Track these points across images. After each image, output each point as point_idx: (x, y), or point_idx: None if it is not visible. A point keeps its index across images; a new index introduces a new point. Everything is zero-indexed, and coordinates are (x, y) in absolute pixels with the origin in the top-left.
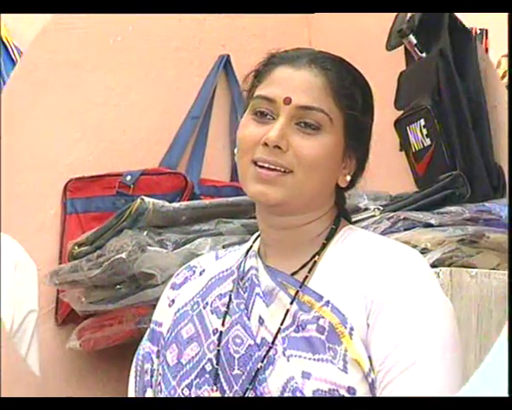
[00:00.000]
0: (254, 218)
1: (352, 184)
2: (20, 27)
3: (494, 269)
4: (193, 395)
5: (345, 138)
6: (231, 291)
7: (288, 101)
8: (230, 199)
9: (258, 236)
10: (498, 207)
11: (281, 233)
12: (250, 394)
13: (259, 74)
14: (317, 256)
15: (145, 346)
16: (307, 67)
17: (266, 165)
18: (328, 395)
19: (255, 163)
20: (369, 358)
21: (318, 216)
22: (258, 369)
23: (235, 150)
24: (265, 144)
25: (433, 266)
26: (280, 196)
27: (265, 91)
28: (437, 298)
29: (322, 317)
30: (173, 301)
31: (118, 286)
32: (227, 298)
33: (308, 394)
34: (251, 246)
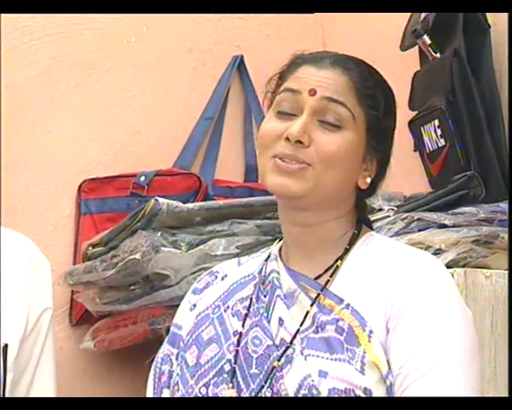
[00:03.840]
0: (268, 219)
1: (372, 188)
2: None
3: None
4: (210, 394)
5: (366, 138)
6: (252, 295)
7: (313, 92)
8: (244, 200)
9: (280, 241)
10: None
11: (301, 230)
12: (266, 391)
13: (283, 74)
14: (339, 261)
15: (164, 348)
16: (330, 67)
17: (287, 159)
18: (343, 395)
19: (276, 157)
20: (388, 361)
21: (337, 216)
22: (274, 367)
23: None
24: (287, 139)
25: (448, 266)
26: (298, 188)
27: (291, 84)
28: (456, 305)
29: (342, 319)
30: (194, 305)
31: (132, 287)
32: (248, 301)
33: (324, 392)
34: (271, 251)
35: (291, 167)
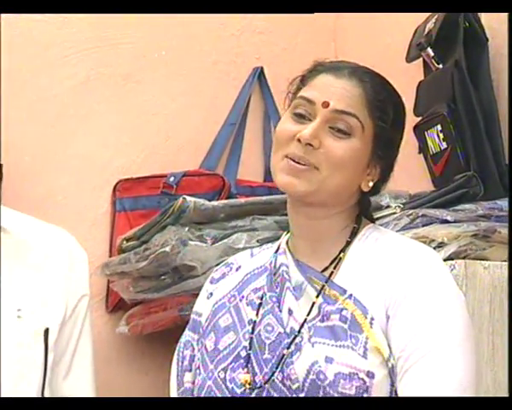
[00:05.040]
0: (285, 215)
1: (375, 190)
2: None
3: (505, 261)
4: (228, 378)
5: (373, 147)
6: (265, 286)
7: (325, 105)
8: (264, 198)
9: (287, 233)
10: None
11: (306, 223)
12: (278, 376)
13: (304, 79)
14: (342, 253)
15: (186, 334)
16: (347, 77)
17: (296, 159)
18: (348, 379)
19: (287, 157)
20: (389, 346)
21: (340, 210)
22: (284, 354)
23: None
24: (299, 140)
25: (450, 258)
26: (304, 189)
27: (307, 93)
28: (451, 291)
29: (346, 308)
30: (211, 293)
31: (162, 277)
32: (261, 292)
33: (330, 377)
34: (280, 244)
35: (298, 168)
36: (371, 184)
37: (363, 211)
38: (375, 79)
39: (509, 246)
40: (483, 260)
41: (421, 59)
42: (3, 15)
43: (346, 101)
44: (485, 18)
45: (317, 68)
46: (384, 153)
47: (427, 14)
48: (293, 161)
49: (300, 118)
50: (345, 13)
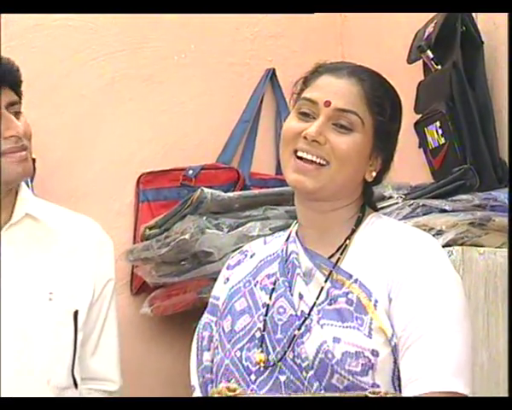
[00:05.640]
0: (295, 205)
1: (377, 180)
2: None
3: (499, 247)
4: (244, 357)
5: (373, 140)
6: (277, 272)
7: (327, 104)
8: (276, 189)
9: (296, 223)
10: (503, 195)
11: (314, 216)
12: (289, 354)
13: (307, 80)
14: (347, 241)
15: (205, 317)
16: (347, 76)
17: (305, 155)
18: (354, 357)
19: (296, 153)
20: (392, 326)
21: (346, 204)
22: (295, 335)
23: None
24: (305, 138)
25: (448, 245)
26: (312, 186)
27: (310, 94)
28: (449, 274)
29: (352, 292)
30: (228, 279)
31: (182, 262)
32: (274, 277)
33: (338, 355)
34: (290, 232)
35: (308, 167)
36: (374, 174)
37: (367, 200)
38: (372, 78)
39: (509, 234)
40: (479, 246)
41: (421, 61)
42: (35, 21)
43: (346, 99)
44: (481, 22)
45: (319, 70)
46: (384, 145)
47: (427, 19)
48: (302, 158)
49: (305, 116)
50: (351, 18)
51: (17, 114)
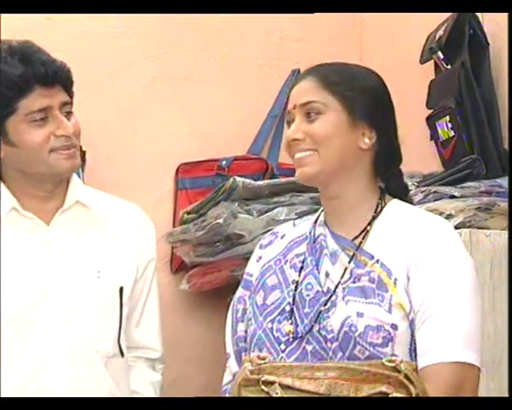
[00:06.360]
0: (319, 192)
1: (388, 151)
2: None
3: (503, 230)
4: (274, 328)
5: (347, 113)
6: (305, 252)
7: (294, 106)
8: None
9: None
10: (507, 182)
11: (330, 202)
12: (316, 327)
13: (288, 98)
14: (368, 226)
15: (240, 291)
16: (304, 76)
17: (297, 155)
18: (375, 331)
19: (294, 157)
20: (410, 302)
21: (354, 185)
22: (322, 310)
23: None
24: (291, 142)
25: (457, 228)
26: (312, 171)
27: (288, 107)
28: (461, 255)
29: (373, 271)
30: (260, 257)
31: (217, 243)
32: (302, 257)
33: (360, 328)
34: (318, 216)
35: (302, 155)
36: (367, 140)
37: (391, 189)
38: (327, 66)
39: (509, 219)
40: (485, 228)
41: (432, 61)
42: (83, 28)
43: (305, 94)
44: (487, 25)
45: (293, 84)
46: (361, 112)
47: (438, 23)
48: (296, 156)
49: (290, 124)
50: (369, 23)
51: (68, 114)
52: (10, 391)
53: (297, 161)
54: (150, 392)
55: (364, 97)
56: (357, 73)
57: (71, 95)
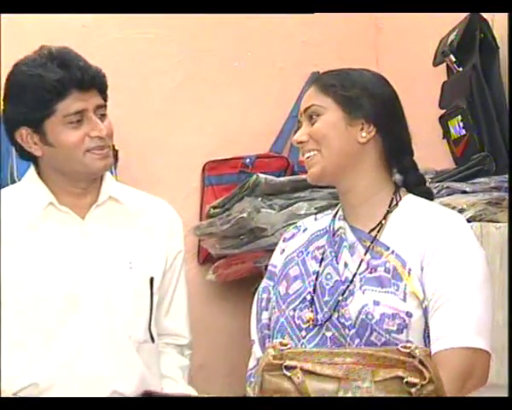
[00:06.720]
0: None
1: (395, 145)
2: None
3: None
4: (296, 316)
5: (343, 111)
6: (326, 244)
7: (300, 113)
8: None
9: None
10: None
11: (344, 196)
12: (335, 315)
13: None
14: (384, 220)
15: (264, 281)
16: (310, 85)
17: (305, 155)
18: (391, 318)
19: (303, 156)
20: (423, 291)
21: (363, 178)
22: (340, 299)
23: None
24: (298, 144)
25: (468, 221)
26: (317, 170)
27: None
28: (473, 247)
29: (389, 262)
30: (283, 250)
31: (241, 237)
32: (323, 249)
33: (377, 316)
34: (337, 211)
35: (308, 156)
36: (364, 134)
37: (411, 183)
38: (328, 73)
39: (509, 216)
40: (495, 222)
41: (445, 64)
42: (118, 34)
43: (306, 100)
44: (496, 29)
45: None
46: (356, 109)
47: (450, 28)
48: (305, 155)
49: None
50: (384, 28)
51: (102, 116)
52: (48, 374)
53: (306, 162)
54: (179, 376)
55: (363, 96)
56: (357, 76)
57: (105, 98)
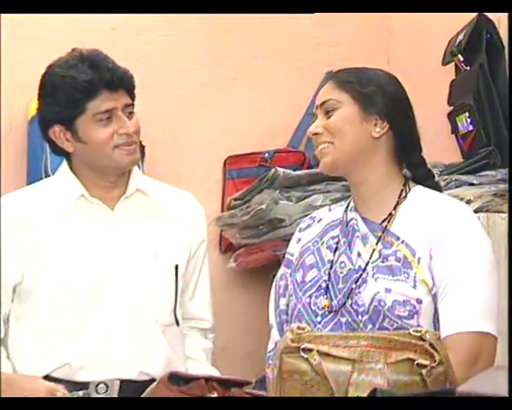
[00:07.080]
0: None
1: (406, 140)
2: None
3: None
4: (312, 302)
5: (358, 106)
6: (339, 234)
7: (316, 107)
8: None
9: None
10: None
11: (355, 188)
12: (348, 301)
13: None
14: (394, 210)
15: (282, 269)
16: (326, 82)
17: (319, 148)
18: (402, 305)
19: (317, 148)
20: (432, 278)
21: (375, 172)
22: (354, 287)
23: None
24: (312, 136)
25: (475, 212)
26: (328, 162)
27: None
28: (480, 236)
29: (399, 251)
30: (299, 239)
31: (260, 227)
32: (337, 239)
33: (389, 303)
34: (349, 202)
35: (321, 148)
36: (378, 129)
37: (420, 177)
38: (345, 70)
39: (509, 245)
40: (501, 212)
41: (453, 63)
42: (144, 37)
43: (324, 95)
44: (502, 29)
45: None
46: (371, 104)
47: (458, 29)
48: (318, 147)
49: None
50: (395, 29)
51: (130, 115)
52: (80, 355)
53: (318, 153)
54: (203, 358)
55: (378, 94)
56: (372, 74)
57: (133, 97)
